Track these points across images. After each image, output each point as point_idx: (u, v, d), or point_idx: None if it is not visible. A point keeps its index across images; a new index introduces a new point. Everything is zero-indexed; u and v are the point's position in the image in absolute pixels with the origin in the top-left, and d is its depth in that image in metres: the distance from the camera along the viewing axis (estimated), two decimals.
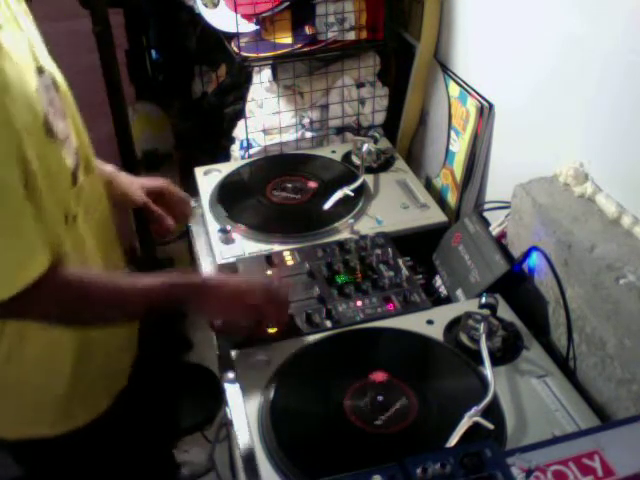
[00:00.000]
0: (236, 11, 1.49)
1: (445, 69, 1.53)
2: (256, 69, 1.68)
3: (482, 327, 1.00)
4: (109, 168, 1.25)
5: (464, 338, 1.03)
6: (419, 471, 0.70)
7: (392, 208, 1.39)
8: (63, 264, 0.93)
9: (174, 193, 1.31)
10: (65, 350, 1.08)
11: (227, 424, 0.99)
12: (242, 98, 1.90)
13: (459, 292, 1.19)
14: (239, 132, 1.72)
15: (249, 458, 0.89)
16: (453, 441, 0.85)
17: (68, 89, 1.08)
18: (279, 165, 1.59)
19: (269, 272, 1.21)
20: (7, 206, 0.84)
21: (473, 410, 0.87)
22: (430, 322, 1.09)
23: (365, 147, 1.50)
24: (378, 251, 1.24)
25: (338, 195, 1.39)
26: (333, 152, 1.62)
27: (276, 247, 1.29)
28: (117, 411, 1.17)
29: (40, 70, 0.95)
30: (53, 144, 0.94)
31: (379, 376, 0.97)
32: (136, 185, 1.26)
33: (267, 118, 1.66)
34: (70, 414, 1.12)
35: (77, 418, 1.13)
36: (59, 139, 0.96)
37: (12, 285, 0.85)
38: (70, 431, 1.12)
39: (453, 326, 1.08)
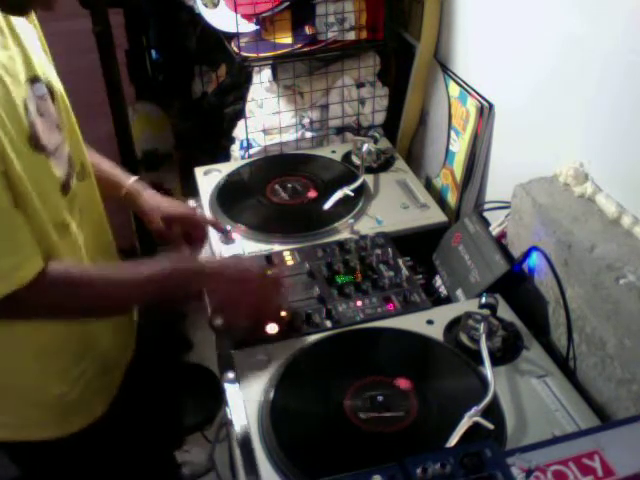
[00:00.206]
0: (236, 11, 1.49)
1: (445, 69, 1.53)
2: (256, 69, 1.68)
3: (482, 327, 1.00)
4: (136, 184, 1.26)
5: (464, 338, 1.03)
6: (419, 471, 0.70)
7: (392, 208, 1.39)
8: (52, 262, 0.93)
9: (195, 220, 1.29)
10: (60, 353, 1.09)
11: (227, 424, 0.99)
12: (242, 98, 1.90)
13: (459, 292, 1.19)
14: (239, 132, 1.72)
15: (249, 458, 0.89)
16: (453, 441, 0.85)
17: (66, 96, 1.08)
18: (279, 165, 1.59)
19: (269, 272, 1.21)
20: None
21: (473, 410, 0.87)
22: (430, 322, 1.09)
23: (365, 147, 1.50)
24: (378, 251, 1.24)
25: (338, 195, 1.39)
26: (333, 152, 1.62)
27: (276, 247, 1.29)
28: (114, 414, 1.17)
29: (34, 80, 0.95)
30: (39, 156, 0.94)
31: (403, 382, 0.96)
32: (157, 210, 1.25)
33: (267, 118, 1.66)
34: (65, 419, 1.12)
35: (72, 423, 1.13)
36: (47, 151, 0.96)
37: (8, 284, 0.86)
38: (66, 435, 1.12)
39: (453, 326, 1.08)
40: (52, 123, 0.99)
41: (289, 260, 1.24)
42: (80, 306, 0.97)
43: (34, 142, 0.92)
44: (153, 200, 1.26)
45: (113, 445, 1.22)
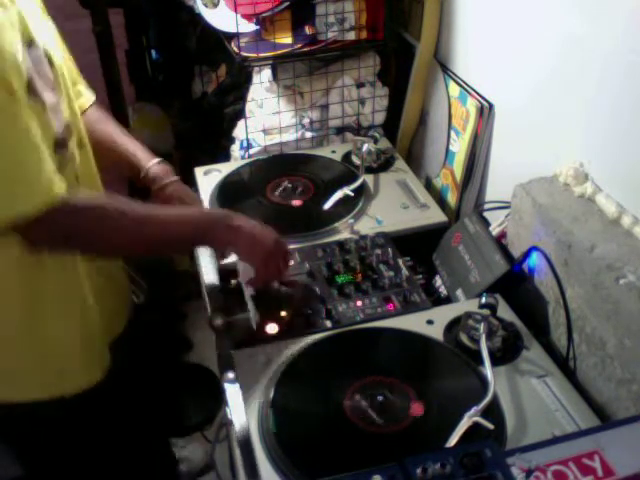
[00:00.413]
0: (236, 11, 1.49)
1: (445, 69, 1.53)
2: (256, 69, 1.68)
3: (482, 327, 1.00)
4: (156, 167, 1.27)
5: (464, 338, 1.03)
6: (419, 471, 0.70)
7: (392, 208, 1.39)
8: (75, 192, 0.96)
9: None
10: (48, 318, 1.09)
11: (227, 424, 0.99)
12: (242, 98, 1.90)
13: (459, 292, 1.19)
14: (239, 132, 1.72)
15: (249, 458, 0.89)
16: (453, 441, 0.85)
17: (67, 70, 1.10)
18: (279, 165, 1.59)
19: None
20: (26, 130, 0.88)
21: (473, 410, 0.87)
22: (430, 322, 1.09)
23: (365, 147, 1.50)
24: (378, 251, 1.24)
25: (338, 195, 1.39)
26: (333, 152, 1.62)
27: None
28: (106, 389, 1.18)
29: (30, 43, 0.96)
30: (36, 104, 0.95)
31: (417, 408, 0.93)
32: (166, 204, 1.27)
33: (267, 118, 1.66)
34: (49, 382, 1.12)
35: (64, 386, 1.13)
36: (43, 102, 0.96)
37: (52, 191, 0.88)
38: (54, 400, 1.11)
39: (453, 326, 1.08)
40: (48, 84, 1.00)
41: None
42: (101, 236, 0.99)
43: (31, 91, 0.93)
44: (165, 194, 1.26)
45: (109, 421, 1.24)
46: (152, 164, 1.26)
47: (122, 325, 1.28)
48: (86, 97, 1.27)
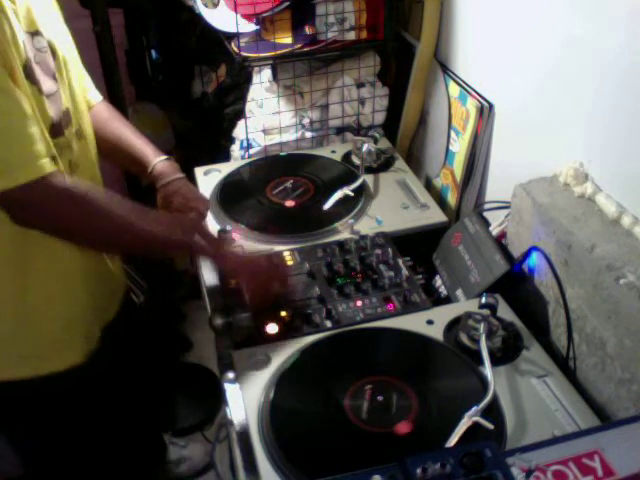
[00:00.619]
0: (236, 11, 1.49)
1: (445, 69, 1.53)
2: (256, 69, 1.69)
3: (482, 327, 1.00)
4: (161, 165, 1.28)
5: (464, 338, 1.03)
6: (419, 471, 0.69)
7: (392, 208, 1.39)
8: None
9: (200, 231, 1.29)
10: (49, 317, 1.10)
11: (227, 424, 0.99)
12: (242, 98, 1.90)
13: (459, 292, 1.19)
14: (239, 132, 1.73)
15: (249, 458, 0.89)
16: (453, 441, 0.85)
17: (73, 64, 1.11)
18: (279, 165, 1.59)
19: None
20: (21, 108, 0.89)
21: (473, 410, 0.88)
22: (430, 322, 1.09)
23: (365, 147, 1.50)
24: (378, 251, 1.24)
25: (338, 195, 1.39)
26: (333, 152, 1.62)
27: (276, 247, 1.29)
28: (95, 372, 1.18)
29: (35, 33, 0.97)
30: (33, 87, 0.95)
31: (403, 427, 0.92)
32: (168, 203, 1.27)
33: (267, 118, 1.66)
34: (36, 355, 1.13)
35: (50, 363, 1.13)
36: (40, 88, 0.97)
37: (35, 169, 0.89)
38: (42, 377, 1.12)
39: (453, 326, 1.08)
40: (48, 72, 1.00)
41: (289, 260, 1.24)
42: (84, 224, 0.99)
43: (29, 75, 0.94)
44: (168, 191, 1.26)
45: (98, 406, 1.24)
46: (158, 161, 1.27)
47: (114, 308, 1.29)
48: (92, 95, 1.27)
